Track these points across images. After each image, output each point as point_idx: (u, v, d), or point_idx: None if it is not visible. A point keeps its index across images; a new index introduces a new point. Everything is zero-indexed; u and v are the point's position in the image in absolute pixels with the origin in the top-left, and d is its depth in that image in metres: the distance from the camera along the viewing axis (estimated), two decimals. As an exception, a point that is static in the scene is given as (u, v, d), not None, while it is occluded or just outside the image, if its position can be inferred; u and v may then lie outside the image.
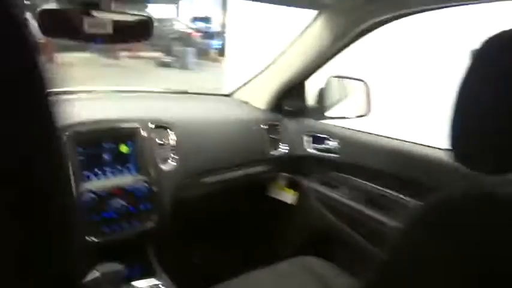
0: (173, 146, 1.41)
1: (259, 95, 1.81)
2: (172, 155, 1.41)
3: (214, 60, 12.68)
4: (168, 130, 1.42)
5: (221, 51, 11.27)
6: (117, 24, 1.06)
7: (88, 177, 1.24)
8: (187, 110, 1.63)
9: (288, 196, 1.78)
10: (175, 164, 1.40)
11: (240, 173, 1.60)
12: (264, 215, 1.88)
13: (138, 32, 1.10)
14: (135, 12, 1.09)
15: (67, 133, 1.21)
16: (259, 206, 1.85)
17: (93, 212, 1.21)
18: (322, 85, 1.73)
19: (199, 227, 1.73)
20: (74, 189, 1.17)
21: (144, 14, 1.10)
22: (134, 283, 1.25)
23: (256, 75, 1.83)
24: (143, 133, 1.34)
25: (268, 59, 1.79)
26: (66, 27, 1.04)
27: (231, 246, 1.86)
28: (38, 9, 0.98)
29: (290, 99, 1.79)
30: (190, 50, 12.78)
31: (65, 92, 1.50)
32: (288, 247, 1.81)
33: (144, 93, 1.81)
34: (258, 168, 1.67)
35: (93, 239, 1.21)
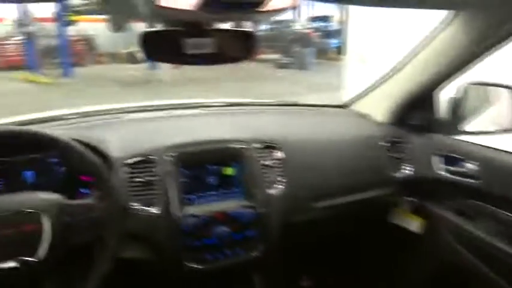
0: (281, 168, 1.30)
1: (380, 107, 1.60)
2: (280, 178, 1.29)
3: (333, 59, 12.42)
4: (276, 150, 1.31)
5: (340, 50, 10.96)
6: (220, 43, 0.98)
7: (190, 200, 1.19)
8: (297, 126, 1.51)
9: (414, 224, 1.54)
10: (283, 187, 1.29)
11: (356, 197, 1.42)
12: (384, 243, 1.66)
13: (241, 51, 1.01)
14: (239, 29, 1.00)
15: (172, 154, 1.18)
16: (378, 233, 1.65)
17: (195, 237, 1.16)
18: (456, 94, 1.45)
19: (308, 253, 1.59)
20: (176, 213, 1.14)
21: (248, 30, 1.00)
22: None
23: (376, 84, 1.62)
24: (250, 154, 1.26)
25: (392, 58, 1.56)
26: (168, 49, 1.00)
27: (345, 274, 1.69)
28: (141, 32, 0.95)
29: (416, 111, 1.55)
30: (309, 51, 12.69)
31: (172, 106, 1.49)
32: (409, 281, 1.58)
33: (250, 107, 1.72)
34: (378, 192, 1.47)
35: (194, 265, 1.16)
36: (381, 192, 1.47)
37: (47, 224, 0.88)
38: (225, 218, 1.18)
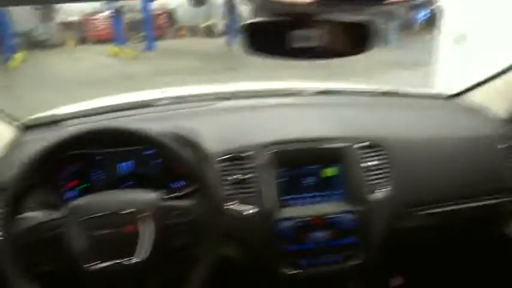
0: (386, 170, 1.18)
1: (499, 100, 1.40)
2: (384, 181, 1.17)
3: (420, 34, 11.59)
4: (380, 149, 1.19)
5: (429, 24, 10.18)
6: (330, 36, 0.87)
7: (287, 201, 1.12)
8: (401, 122, 1.36)
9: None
10: (388, 192, 1.17)
11: (468, 205, 1.26)
12: (498, 257, 1.48)
13: (354, 45, 0.89)
14: (353, 21, 0.88)
15: (270, 151, 1.11)
16: (489, 247, 1.46)
17: (290, 241, 1.09)
18: None
19: (406, 260, 1.46)
20: (272, 214, 1.08)
21: (363, 22, 0.88)
22: None
23: (496, 74, 1.41)
24: (352, 154, 1.15)
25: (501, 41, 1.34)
26: (272, 42, 0.91)
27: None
28: (243, 23, 0.87)
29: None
30: (393, 25, 11.94)
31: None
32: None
33: (345, 96, 1.58)
34: (493, 201, 1.29)
35: (288, 270, 1.10)
36: (497, 201, 1.29)
37: (145, 226, 0.85)
38: (323, 222, 1.10)
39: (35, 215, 0.88)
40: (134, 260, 0.84)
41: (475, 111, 1.44)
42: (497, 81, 1.40)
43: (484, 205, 1.28)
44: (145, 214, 0.86)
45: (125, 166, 1.14)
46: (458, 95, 1.54)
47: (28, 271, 0.84)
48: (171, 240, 0.88)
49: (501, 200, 1.29)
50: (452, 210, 1.25)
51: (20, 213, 0.86)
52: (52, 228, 0.85)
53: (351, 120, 1.29)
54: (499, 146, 1.30)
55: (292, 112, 1.37)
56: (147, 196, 0.91)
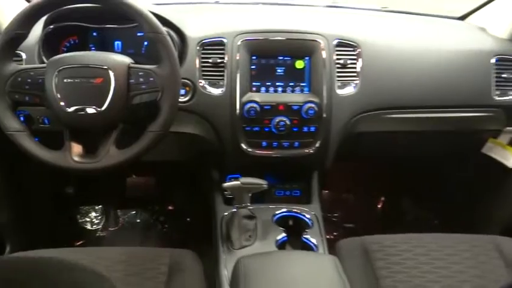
0: (358, 69, 1.21)
1: (501, 19, 1.35)
2: (354, 80, 1.21)
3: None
4: (356, 49, 1.22)
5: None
6: None
7: (256, 87, 1.20)
8: (390, 29, 1.36)
9: (510, 158, 1.32)
10: (354, 90, 1.21)
11: (440, 115, 1.27)
12: (465, 174, 1.47)
13: None
14: None
15: (244, 39, 1.18)
16: (462, 162, 1.46)
17: (254, 123, 1.18)
18: None
19: (380, 168, 1.50)
20: (238, 96, 1.16)
21: None
22: None
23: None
24: (325, 49, 1.19)
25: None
26: None
27: (416, 199, 1.57)
28: None
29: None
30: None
31: None
32: (487, 221, 1.40)
33: (348, 10, 1.58)
34: (472, 115, 1.29)
35: (248, 148, 1.20)
36: (476, 116, 1.28)
37: (112, 80, 0.97)
38: (286, 109, 1.17)
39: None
40: (100, 109, 0.97)
41: (480, 29, 1.40)
42: (497, 3, 1.35)
43: (463, 118, 1.28)
44: (113, 71, 0.98)
45: (118, 44, 1.27)
46: (462, 18, 1.50)
47: (15, 107, 1.00)
48: (133, 97, 1.00)
49: (479, 115, 1.29)
50: (426, 118, 1.27)
51: (11, 58, 1.01)
52: (37, 75, 1.00)
53: (336, 23, 1.31)
54: (490, 61, 1.27)
55: (283, 12, 1.42)
56: (120, 57, 1.02)
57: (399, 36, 1.32)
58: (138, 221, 1.95)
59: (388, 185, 1.75)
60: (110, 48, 1.27)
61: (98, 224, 1.92)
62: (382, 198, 1.76)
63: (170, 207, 1.94)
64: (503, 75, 1.27)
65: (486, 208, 1.47)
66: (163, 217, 1.92)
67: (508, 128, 1.33)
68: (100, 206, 1.93)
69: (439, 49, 1.29)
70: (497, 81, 1.27)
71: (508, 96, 1.28)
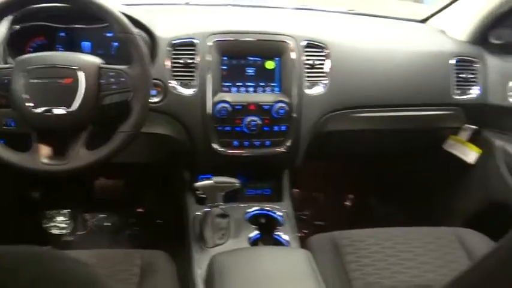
0: (326, 70, 1.24)
1: (459, 22, 1.42)
2: (322, 80, 1.25)
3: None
4: (324, 50, 1.25)
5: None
6: None
7: (227, 87, 1.21)
8: (356, 31, 1.40)
9: (471, 154, 1.39)
10: (323, 90, 1.24)
11: (404, 113, 1.32)
12: (429, 170, 1.54)
13: None
14: None
15: (215, 39, 1.19)
16: (425, 159, 1.53)
17: (225, 123, 1.19)
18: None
19: (348, 166, 1.55)
20: (209, 96, 1.17)
21: None
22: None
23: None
24: (293, 49, 1.21)
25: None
26: None
27: (383, 196, 1.63)
28: None
29: (503, 28, 1.34)
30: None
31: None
32: (450, 214, 1.48)
33: (317, 12, 1.62)
34: (433, 113, 1.35)
35: (220, 148, 1.20)
36: (437, 113, 1.35)
37: (81, 81, 0.96)
38: (257, 109, 1.19)
39: None
40: (69, 109, 0.96)
41: (439, 32, 1.47)
42: (459, 4, 1.42)
43: (424, 116, 1.34)
44: (83, 71, 0.97)
45: (86, 45, 1.25)
46: (423, 20, 1.57)
47: None
48: (103, 98, 0.99)
49: (440, 113, 1.35)
50: (391, 117, 1.32)
51: None
52: (2, 75, 0.97)
53: (305, 24, 1.35)
54: (449, 61, 1.33)
55: (254, 14, 1.44)
56: (90, 58, 1.01)
57: (365, 37, 1.36)
58: (107, 224, 1.92)
59: (356, 182, 1.80)
60: (78, 49, 1.25)
61: (65, 228, 1.88)
62: (351, 196, 1.82)
63: (140, 210, 1.92)
64: (462, 75, 1.34)
65: (448, 202, 1.54)
66: (133, 219, 1.90)
67: (467, 125, 1.40)
68: (67, 210, 1.89)
69: (402, 50, 1.34)
70: (457, 81, 1.33)
71: (467, 95, 1.35)
